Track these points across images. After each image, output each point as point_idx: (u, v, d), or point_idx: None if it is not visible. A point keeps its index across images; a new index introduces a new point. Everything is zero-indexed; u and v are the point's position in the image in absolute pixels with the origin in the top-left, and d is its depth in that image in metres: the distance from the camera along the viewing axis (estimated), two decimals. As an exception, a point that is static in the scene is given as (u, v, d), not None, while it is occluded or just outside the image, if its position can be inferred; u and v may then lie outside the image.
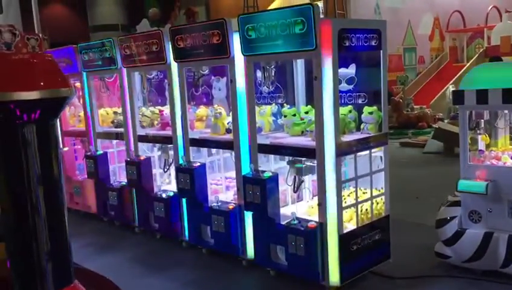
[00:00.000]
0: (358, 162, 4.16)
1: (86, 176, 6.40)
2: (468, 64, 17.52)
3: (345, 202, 4.19)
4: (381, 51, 4.24)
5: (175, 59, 5.01)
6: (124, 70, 5.73)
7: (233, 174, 4.84)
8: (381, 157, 4.40)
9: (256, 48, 4.21)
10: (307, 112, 4.64)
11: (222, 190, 5.37)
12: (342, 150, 3.97)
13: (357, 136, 4.23)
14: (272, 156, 4.61)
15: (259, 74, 4.63)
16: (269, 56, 4.24)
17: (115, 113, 6.40)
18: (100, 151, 6.26)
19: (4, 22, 10.97)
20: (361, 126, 4.37)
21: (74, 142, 7.20)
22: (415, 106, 14.94)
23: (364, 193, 4.41)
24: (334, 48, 3.80)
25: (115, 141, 6.35)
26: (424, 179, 8.17)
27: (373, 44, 4.15)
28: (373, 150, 4.28)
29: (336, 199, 3.94)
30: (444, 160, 9.53)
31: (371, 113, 4.29)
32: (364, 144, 4.18)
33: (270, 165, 4.68)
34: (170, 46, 4.99)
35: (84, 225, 6.49)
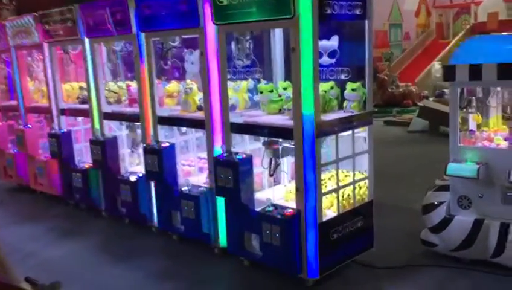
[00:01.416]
0: (340, 143, 3.80)
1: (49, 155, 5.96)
2: (454, 40, 17.24)
3: (325, 187, 3.84)
4: (366, 21, 3.85)
5: (141, 29, 4.55)
6: (87, 41, 5.24)
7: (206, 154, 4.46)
8: (365, 138, 4.04)
9: (228, 16, 3.78)
10: (285, 88, 4.22)
11: (195, 171, 4.99)
12: (322, 130, 3.60)
13: (339, 114, 3.85)
14: (247, 136, 4.22)
15: (233, 46, 4.20)
16: (243, 25, 3.81)
17: (81, 88, 5.93)
18: (64, 130, 5.80)
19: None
20: (344, 104, 3.99)
21: (40, 120, 6.72)
22: (400, 84, 14.62)
23: (346, 175, 4.07)
24: (314, 15, 3.39)
25: (80, 119, 5.89)
26: (409, 159, 7.88)
27: (357, 13, 3.75)
28: (356, 130, 3.92)
29: (315, 184, 3.59)
30: (429, 139, 9.26)
31: (354, 89, 3.91)
32: (347, 123, 3.81)
33: (245, 145, 4.30)
34: (135, 14, 4.52)
35: (49, 208, 6.07)
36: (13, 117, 7.01)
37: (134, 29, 4.65)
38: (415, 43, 18.41)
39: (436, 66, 15.92)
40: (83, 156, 5.90)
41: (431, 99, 12.91)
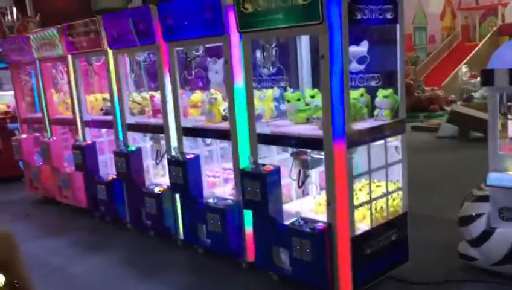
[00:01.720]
0: (371, 152, 3.63)
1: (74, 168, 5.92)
2: (482, 43, 16.83)
3: (357, 199, 3.67)
4: (398, 25, 3.69)
5: (164, 39, 4.47)
6: (110, 52, 5.19)
7: (232, 165, 4.34)
8: (397, 146, 3.87)
9: (254, 23, 3.66)
10: (312, 96, 4.09)
11: (220, 183, 4.88)
12: (354, 140, 3.44)
13: (371, 123, 3.70)
14: (274, 146, 4.09)
15: (258, 54, 4.08)
16: (269, 32, 3.68)
17: (104, 99, 5.89)
18: (88, 141, 5.76)
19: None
20: (375, 112, 3.83)
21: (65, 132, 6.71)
22: (426, 88, 14.32)
23: (378, 186, 3.90)
24: (344, 21, 3.24)
25: (104, 130, 5.84)
26: (439, 165, 7.62)
27: (388, 17, 3.59)
28: (388, 139, 3.75)
29: (347, 196, 3.43)
30: (459, 145, 8.98)
31: (386, 97, 3.75)
32: (379, 132, 3.65)
33: (272, 156, 4.17)
34: (158, 24, 4.45)
35: (74, 221, 6.02)
36: (39, 129, 7.02)
37: (157, 39, 4.57)
38: (441, 46, 18.04)
39: (464, 69, 15.58)
40: (108, 168, 5.84)
41: (459, 103, 12.60)
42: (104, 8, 16.40)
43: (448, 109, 12.94)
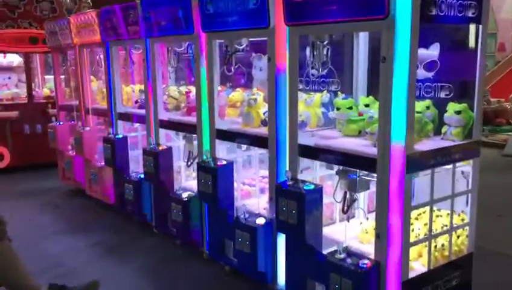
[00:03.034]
0: (435, 178, 3.00)
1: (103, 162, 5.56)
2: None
3: (412, 230, 3.04)
4: (481, 26, 3.02)
5: (203, 29, 3.97)
6: (148, 41, 4.75)
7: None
8: (463, 171, 3.20)
9: (303, 15, 3.09)
10: (367, 105, 3.51)
11: (255, 193, 4.36)
12: (415, 163, 2.81)
13: (437, 143, 3.05)
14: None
15: (307, 52, 3.51)
16: (322, 27, 3.10)
17: (141, 91, 5.48)
18: (119, 135, 5.37)
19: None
20: (443, 129, 3.18)
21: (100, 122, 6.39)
22: (491, 99, 13.19)
23: (438, 215, 3.26)
24: (414, 16, 2.62)
25: (137, 124, 5.44)
26: (507, 189, 6.77)
27: (470, 15, 2.93)
28: (458, 164, 3.09)
29: (402, 231, 2.81)
30: (529, 166, 8.05)
31: (458, 112, 3.09)
32: (447, 155, 3.00)
33: (315, 171, 3.60)
34: (198, 11, 3.96)
35: (99, 218, 5.67)
36: (76, 118, 6.74)
37: (196, 28, 4.08)
38: (511, 55, 16.68)
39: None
40: (139, 165, 5.43)
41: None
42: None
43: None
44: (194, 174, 4.96)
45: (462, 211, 3.34)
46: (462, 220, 3.32)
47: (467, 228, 3.23)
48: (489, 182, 6.93)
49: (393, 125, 2.71)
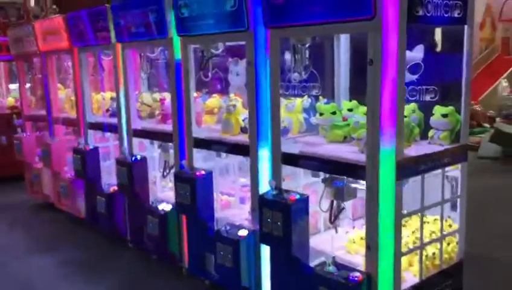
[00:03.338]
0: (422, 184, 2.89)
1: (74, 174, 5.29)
2: (523, 57, 15.82)
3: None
4: (466, 27, 2.95)
5: (178, 33, 3.79)
6: (118, 46, 4.54)
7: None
8: (449, 177, 3.12)
9: (284, 17, 2.95)
10: (350, 110, 3.39)
11: (235, 203, 4.19)
12: (405, 169, 2.70)
13: (426, 147, 2.96)
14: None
15: (287, 56, 3.38)
16: (303, 29, 2.96)
17: (112, 99, 5.24)
18: (90, 146, 5.12)
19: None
20: (430, 133, 3.09)
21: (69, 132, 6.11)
22: (462, 102, 13.40)
23: (424, 222, 3.16)
24: (401, 17, 2.51)
25: (109, 134, 5.20)
26: (484, 192, 6.77)
27: (456, 15, 2.85)
28: (446, 169, 3.00)
29: (393, 241, 2.69)
30: (505, 168, 8.12)
31: (445, 116, 3.01)
32: (436, 160, 2.90)
33: (298, 180, 3.45)
34: (172, 15, 3.78)
35: (70, 233, 5.40)
36: (43, 128, 6.44)
37: (170, 32, 3.90)
38: (478, 58, 17.01)
39: (503, 84, 14.62)
40: (112, 176, 5.19)
41: (498, 120, 11.71)
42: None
43: (487, 125, 12.01)
44: (170, 184, 4.76)
45: (449, 217, 3.26)
46: (450, 225, 3.23)
47: (456, 234, 3.13)
48: (468, 185, 6.97)
49: (383, 131, 2.59)
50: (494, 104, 13.96)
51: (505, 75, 14.88)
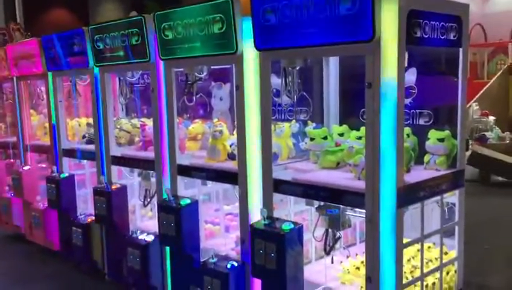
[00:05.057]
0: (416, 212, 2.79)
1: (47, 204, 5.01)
2: (492, 81, 16.21)
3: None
4: (461, 50, 2.90)
5: (161, 56, 3.64)
6: (96, 70, 4.36)
7: (235, 209, 3.51)
8: (452, 204, 3.03)
9: (276, 39, 2.85)
10: (341, 134, 3.30)
11: (220, 232, 4.01)
12: (406, 196, 2.59)
13: (423, 173, 2.86)
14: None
15: (276, 80, 3.26)
16: (296, 51, 2.86)
17: (88, 125, 5.03)
18: (64, 174, 4.87)
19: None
20: (425, 158, 3.00)
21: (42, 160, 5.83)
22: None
23: (418, 249, 3.05)
24: (401, 39, 2.43)
25: (85, 161, 4.96)
26: (469, 216, 6.75)
27: (451, 37, 2.80)
28: (444, 195, 2.91)
29: (395, 272, 2.55)
30: (482, 190, 8.15)
31: (441, 140, 2.92)
32: (435, 186, 2.80)
33: (288, 208, 3.31)
34: (156, 37, 3.64)
35: (42, 267, 5.07)
36: (14, 156, 6.15)
37: (152, 56, 3.75)
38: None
39: (474, 107, 14.89)
40: (88, 207, 4.94)
41: (471, 142, 11.85)
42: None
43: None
44: (151, 213, 4.57)
45: (443, 244, 3.16)
46: (446, 253, 3.13)
47: (455, 263, 3.03)
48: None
49: (383, 157, 2.49)
50: (466, 126, 14.19)
51: (475, 98, 15.14)
